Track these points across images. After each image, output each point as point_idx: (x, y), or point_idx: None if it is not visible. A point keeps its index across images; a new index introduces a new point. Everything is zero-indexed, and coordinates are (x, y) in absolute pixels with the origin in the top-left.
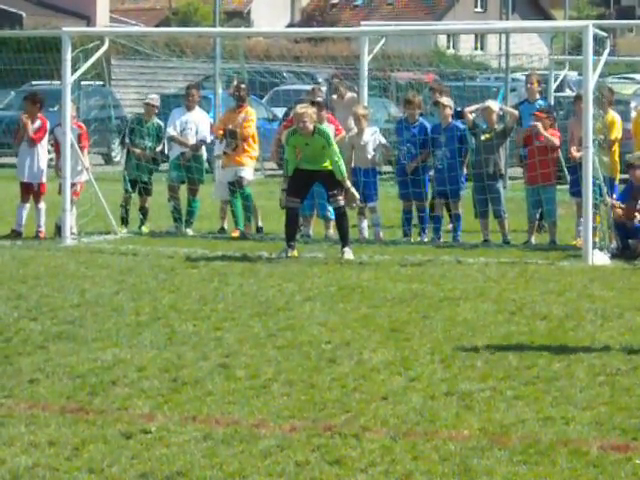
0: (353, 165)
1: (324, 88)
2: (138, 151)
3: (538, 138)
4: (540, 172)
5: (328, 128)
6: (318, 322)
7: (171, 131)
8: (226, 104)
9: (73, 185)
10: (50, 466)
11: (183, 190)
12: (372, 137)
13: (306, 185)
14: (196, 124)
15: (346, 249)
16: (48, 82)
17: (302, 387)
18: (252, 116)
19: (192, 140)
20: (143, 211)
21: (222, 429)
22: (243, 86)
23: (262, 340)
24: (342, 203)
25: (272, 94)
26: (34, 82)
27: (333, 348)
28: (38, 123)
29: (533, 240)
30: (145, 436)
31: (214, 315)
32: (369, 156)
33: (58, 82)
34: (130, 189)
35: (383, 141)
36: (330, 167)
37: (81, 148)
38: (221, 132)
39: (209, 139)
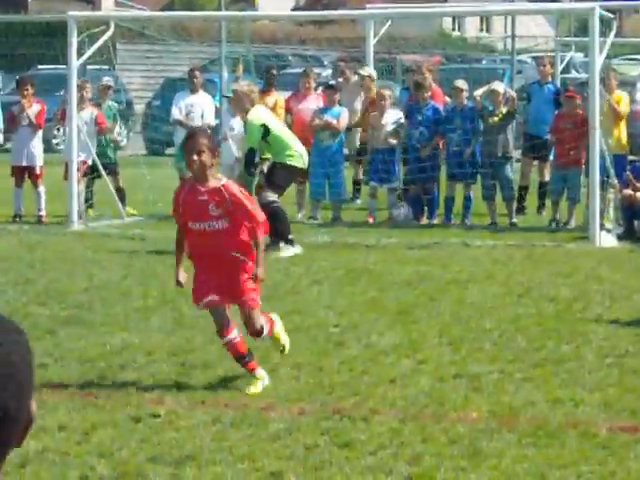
0: (373, 145)
1: (318, 70)
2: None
3: (571, 119)
4: (571, 156)
5: (255, 121)
6: (325, 305)
7: (176, 114)
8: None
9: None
10: (60, 450)
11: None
12: (394, 119)
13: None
14: (201, 107)
15: (282, 246)
16: (54, 67)
17: (310, 370)
18: (282, 103)
19: (198, 123)
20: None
21: (231, 413)
22: (274, 71)
23: None
24: (270, 199)
25: (278, 77)
26: (40, 66)
27: (341, 331)
28: (37, 107)
29: (573, 222)
30: (154, 420)
31: None
32: (387, 137)
33: (64, 66)
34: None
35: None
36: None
37: (100, 130)
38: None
39: (214, 123)
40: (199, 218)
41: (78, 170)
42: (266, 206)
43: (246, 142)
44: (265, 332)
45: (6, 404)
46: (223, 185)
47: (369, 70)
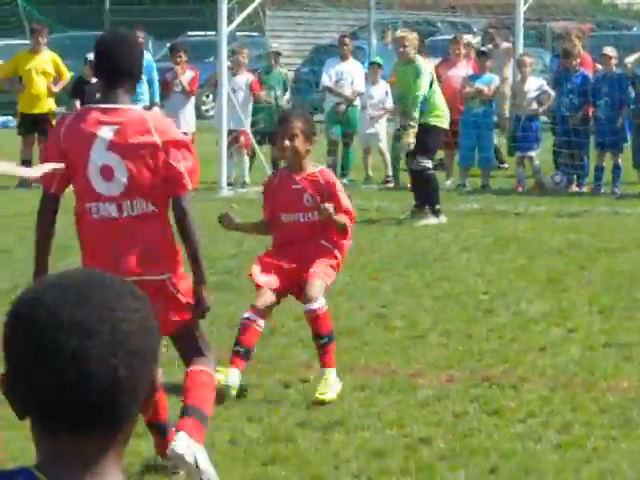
0: (515, 113)
1: (469, 36)
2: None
3: None
4: None
5: (427, 69)
6: (475, 273)
7: (326, 81)
8: (380, 55)
9: (241, 133)
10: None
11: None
12: (536, 86)
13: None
14: (351, 75)
15: (429, 214)
16: (203, 33)
17: (459, 337)
18: (431, 70)
19: (348, 91)
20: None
21: (379, 379)
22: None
23: (418, 290)
24: (426, 166)
25: (427, 44)
26: (189, 33)
27: (490, 299)
28: (191, 74)
29: None
30: (304, 385)
31: (370, 265)
32: (530, 104)
33: (213, 33)
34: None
35: (549, 90)
36: (422, 122)
37: (254, 95)
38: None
39: (363, 90)
40: (293, 209)
41: (236, 139)
42: (419, 173)
43: (415, 88)
44: (317, 305)
45: (116, 371)
46: (320, 171)
47: (406, 31)
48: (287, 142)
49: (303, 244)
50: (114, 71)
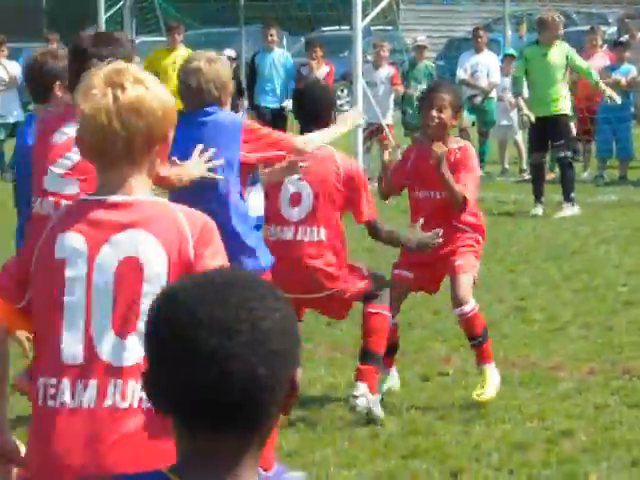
0: None
1: (605, 28)
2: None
3: None
4: None
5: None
6: (613, 265)
7: (461, 74)
8: (515, 47)
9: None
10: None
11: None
12: None
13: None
14: (487, 67)
15: (565, 204)
16: (337, 28)
17: (599, 330)
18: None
19: (483, 83)
20: None
21: (519, 371)
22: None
23: (557, 283)
24: (564, 154)
25: (562, 36)
26: (324, 28)
27: (629, 291)
28: (326, 69)
29: None
30: (443, 378)
31: (508, 258)
32: None
33: (347, 28)
34: None
35: None
36: (559, 111)
37: (396, 89)
38: None
39: (499, 82)
40: (429, 186)
41: (373, 132)
42: (558, 160)
43: (576, 66)
44: (469, 307)
45: (255, 370)
46: (461, 147)
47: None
48: (434, 112)
49: (441, 225)
50: (308, 116)
